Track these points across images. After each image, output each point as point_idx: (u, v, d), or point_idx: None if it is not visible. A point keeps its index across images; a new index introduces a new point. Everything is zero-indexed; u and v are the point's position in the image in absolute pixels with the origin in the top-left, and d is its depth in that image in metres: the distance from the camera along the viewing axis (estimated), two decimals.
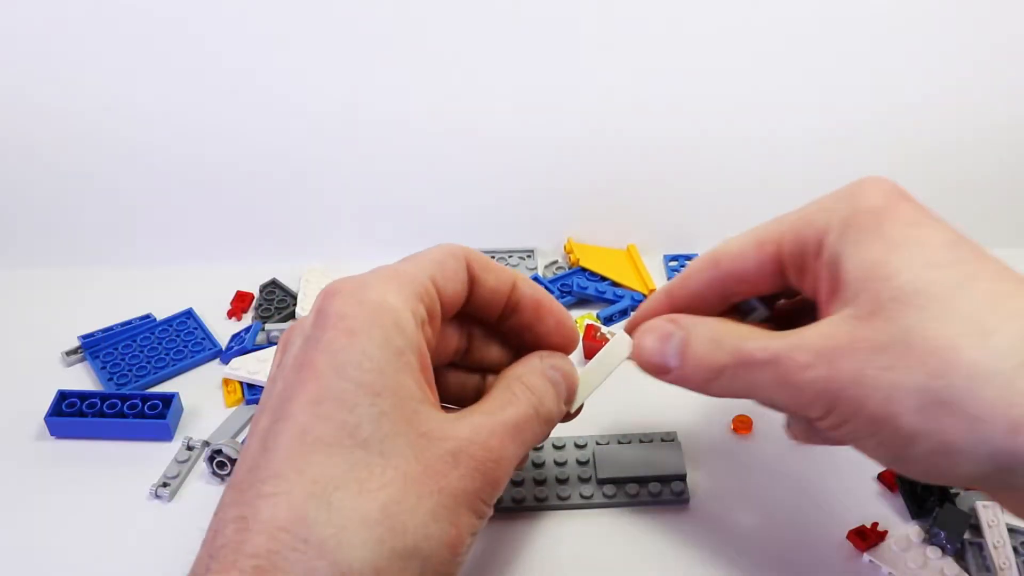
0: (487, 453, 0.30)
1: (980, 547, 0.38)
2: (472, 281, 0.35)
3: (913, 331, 0.28)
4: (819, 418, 0.31)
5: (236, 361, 0.49)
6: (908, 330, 0.28)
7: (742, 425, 0.45)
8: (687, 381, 0.35)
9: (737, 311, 0.37)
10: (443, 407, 0.32)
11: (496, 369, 0.38)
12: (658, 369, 0.35)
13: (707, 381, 0.34)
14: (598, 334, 0.49)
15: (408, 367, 0.30)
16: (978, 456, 0.28)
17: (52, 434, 0.45)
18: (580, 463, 0.43)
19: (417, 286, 0.32)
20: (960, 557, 0.38)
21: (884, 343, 0.29)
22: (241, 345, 0.50)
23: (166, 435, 0.45)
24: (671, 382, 0.35)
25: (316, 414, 0.28)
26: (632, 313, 0.40)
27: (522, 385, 0.34)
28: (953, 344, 0.28)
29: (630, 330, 0.38)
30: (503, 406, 0.32)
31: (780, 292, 0.36)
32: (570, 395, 0.36)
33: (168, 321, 0.53)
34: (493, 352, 0.38)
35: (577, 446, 0.44)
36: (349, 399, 0.28)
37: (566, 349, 0.38)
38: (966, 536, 0.38)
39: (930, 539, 0.38)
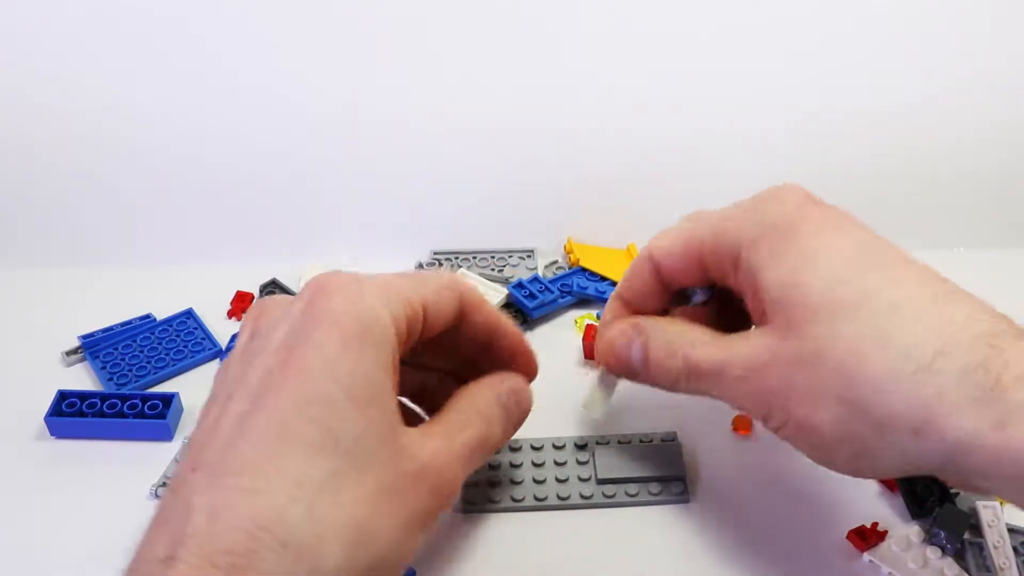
0: (444, 477, 0.32)
1: (980, 547, 0.38)
2: (459, 317, 0.36)
3: (824, 345, 0.31)
4: (762, 421, 0.35)
5: None
6: (820, 344, 0.32)
7: (742, 425, 0.45)
8: (655, 384, 0.39)
9: (682, 296, 0.40)
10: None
11: (439, 370, 0.40)
12: (627, 373, 0.39)
13: (670, 385, 0.38)
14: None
15: (390, 383, 0.31)
16: (891, 458, 0.31)
17: (52, 434, 0.45)
18: (580, 463, 0.43)
19: (408, 308, 0.33)
20: (960, 557, 0.38)
21: (802, 358, 0.32)
22: None
23: (166, 435, 0.45)
24: (641, 383, 0.39)
25: (303, 415, 0.28)
26: (599, 321, 0.43)
27: (476, 411, 0.35)
28: (858, 354, 0.31)
29: (597, 343, 0.41)
30: (459, 429, 0.34)
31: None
32: (520, 419, 0.38)
33: (168, 321, 0.53)
34: (440, 360, 0.40)
35: (577, 446, 0.44)
36: (338, 407, 0.29)
37: (527, 374, 0.40)
38: (966, 536, 0.38)
39: (930, 539, 0.38)
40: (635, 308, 0.41)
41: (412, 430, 0.32)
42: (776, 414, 0.34)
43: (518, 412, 0.38)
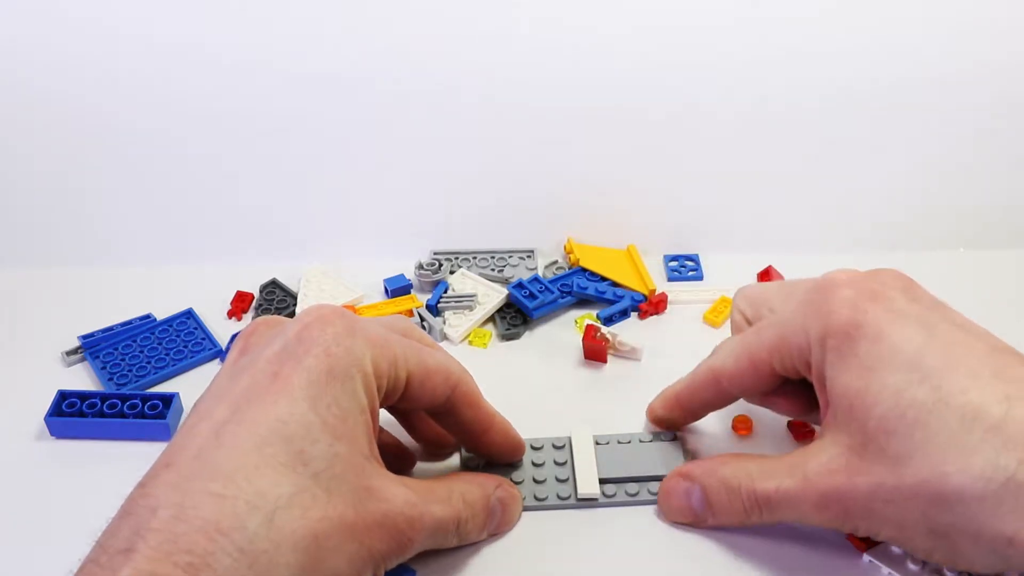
0: (410, 532, 0.32)
1: None
2: (449, 404, 0.37)
3: (903, 464, 0.31)
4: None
5: None
6: (898, 463, 0.31)
7: (742, 425, 0.45)
8: (729, 525, 0.38)
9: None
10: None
11: (430, 440, 0.42)
12: (695, 522, 0.39)
13: (743, 522, 0.37)
14: (598, 334, 0.49)
15: (365, 425, 0.32)
16: (989, 561, 0.31)
17: (52, 434, 0.45)
18: None
19: (391, 368, 0.34)
20: None
21: (881, 479, 0.32)
22: None
23: (166, 435, 0.45)
24: (714, 528, 0.39)
25: (280, 433, 0.29)
26: (649, 410, 0.45)
27: (461, 497, 0.36)
28: (940, 474, 0.30)
29: (651, 415, 0.44)
30: (438, 501, 0.35)
31: None
32: (502, 527, 0.39)
33: (168, 321, 0.53)
34: (430, 429, 0.41)
35: None
36: (313, 431, 0.30)
37: (512, 459, 0.42)
38: None
39: None
40: (689, 412, 0.43)
41: (388, 476, 0.33)
42: (863, 530, 0.34)
43: (502, 519, 0.39)
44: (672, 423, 0.44)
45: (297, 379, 0.31)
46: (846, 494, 0.33)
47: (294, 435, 0.30)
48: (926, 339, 0.33)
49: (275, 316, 0.37)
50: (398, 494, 0.32)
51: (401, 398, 0.35)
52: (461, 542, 0.37)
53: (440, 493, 0.35)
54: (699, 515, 0.39)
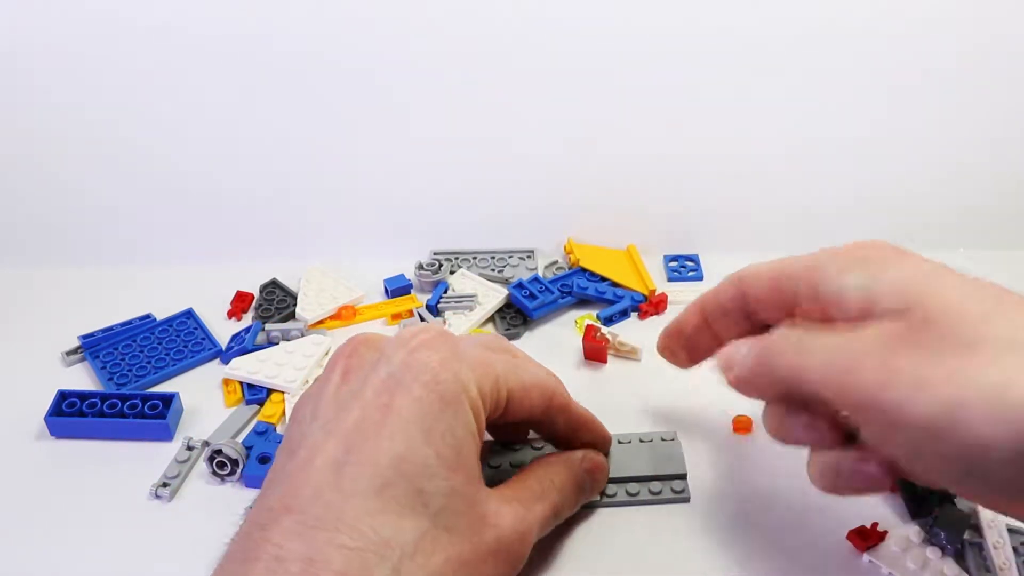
0: (517, 550, 0.33)
1: (980, 547, 0.38)
2: (544, 414, 0.37)
3: (964, 339, 0.27)
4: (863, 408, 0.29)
5: (236, 361, 0.49)
6: (960, 337, 0.27)
7: (742, 425, 0.45)
8: (760, 376, 0.34)
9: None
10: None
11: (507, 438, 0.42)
12: (726, 362, 0.35)
13: (762, 388, 0.34)
14: (598, 334, 0.49)
15: (475, 451, 0.32)
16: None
17: (52, 434, 0.45)
18: None
19: (495, 391, 0.34)
20: (960, 557, 0.38)
21: (947, 346, 0.27)
22: (241, 345, 0.50)
23: (166, 435, 0.45)
24: (738, 376, 0.35)
25: (399, 471, 0.29)
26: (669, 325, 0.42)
27: (552, 484, 0.37)
28: (1006, 351, 0.27)
29: (663, 337, 0.41)
30: (536, 498, 0.35)
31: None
32: (594, 492, 0.40)
33: (168, 321, 0.53)
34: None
35: None
36: (431, 468, 0.30)
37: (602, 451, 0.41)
38: (966, 536, 0.38)
39: (930, 539, 0.38)
40: (711, 324, 0.39)
41: (492, 495, 0.33)
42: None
43: (592, 489, 0.40)
44: (682, 338, 0.40)
45: (408, 411, 0.30)
46: (902, 345, 0.28)
47: (412, 473, 0.30)
48: (974, 278, 0.30)
49: (373, 334, 0.36)
50: (506, 514, 0.33)
51: (501, 415, 0.35)
52: (557, 524, 0.38)
53: (535, 488, 0.36)
54: (729, 366, 0.35)
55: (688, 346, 0.40)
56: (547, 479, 0.37)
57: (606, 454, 0.42)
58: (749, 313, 0.37)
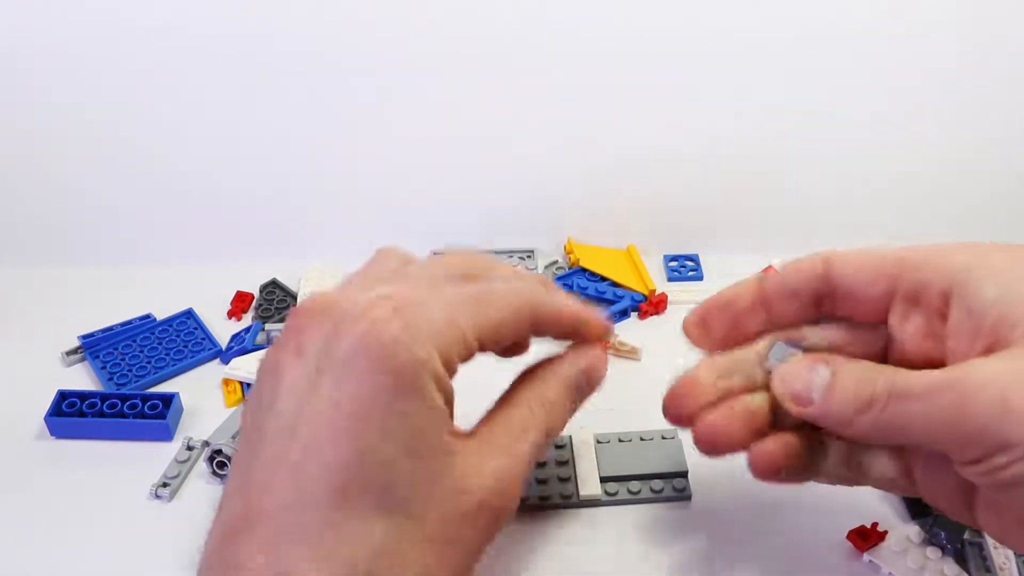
0: (506, 503, 0.31)
1: (980, 547, 0.38)
2: (532, 328, 0.34)
3: None
4: (981, 456, 0.27)
5: (236, 361, 0.49)
6: None
7: None
8: (830, 413, 0.31)
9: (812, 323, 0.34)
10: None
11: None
12: (798, 398, 0.32)
13: (856, 413, 0.30)
14: None
15: (442, 420, 0.29)
16: None
17: (52, 434, 0.45)
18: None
19: (464, 342, 0.31)
20: (960, 557, 0.38)
21: None
22: (241, 345, 0.50)
23: (166, 435, 0.45)
24: (810, 417, 0.32)
25: (359, 474, 0.28)
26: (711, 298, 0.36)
27: (540, 402, 0.33)
28: None
29: (703, 307, 0.36)
30: (521, 430, 0.32)
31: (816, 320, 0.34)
32: (591, 389, 0.35)
33: (168, 321, 0.53)
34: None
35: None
36: (393, 461, 0.28)
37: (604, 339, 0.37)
38: (966, 536, 0.38)
39: (930, 539, 0.38)
40: (771, 305, 0.34)
41: (469, 451, 0.30)
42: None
43: (589, 389, 0.35)
44: (729, 312, 0.35)
45: (364, 405, 0.28)
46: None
47: (373, 472, 0.28)
48: None
49: (326, 296, 0.31)
50: (486, 472, 0.30)
51: (481, 349, 0.32)
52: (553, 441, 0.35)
53: (519, 419, 0.32)
54: (808, 392, 0.32)
55: (732, 323, 0.35)
56: (535, 399, 0.33)
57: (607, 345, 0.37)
58: (822, 301, 0.33)
